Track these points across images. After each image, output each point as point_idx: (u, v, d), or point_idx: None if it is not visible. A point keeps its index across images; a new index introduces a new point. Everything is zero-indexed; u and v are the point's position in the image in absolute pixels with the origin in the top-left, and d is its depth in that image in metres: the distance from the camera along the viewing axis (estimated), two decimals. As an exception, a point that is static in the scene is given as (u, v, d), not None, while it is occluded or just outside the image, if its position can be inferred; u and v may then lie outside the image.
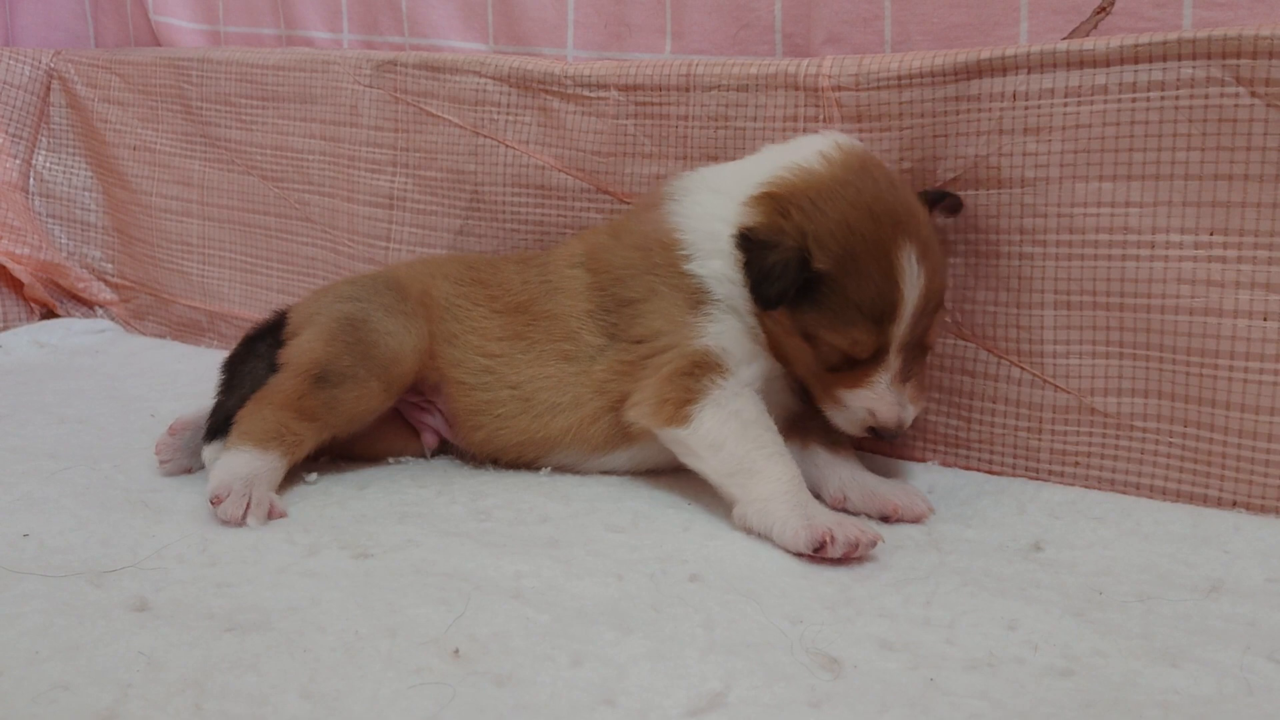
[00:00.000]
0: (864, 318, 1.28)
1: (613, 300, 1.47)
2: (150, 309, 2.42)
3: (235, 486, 1.32)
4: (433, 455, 1.61)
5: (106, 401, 1.88)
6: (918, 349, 1.33)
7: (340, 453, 1.54)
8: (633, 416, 1.40)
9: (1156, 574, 1.18)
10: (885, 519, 1.33)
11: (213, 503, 1.31)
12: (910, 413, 1.33)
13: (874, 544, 1.20)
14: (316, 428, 1.43)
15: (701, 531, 1.30)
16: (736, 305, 1.37)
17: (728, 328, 1.37)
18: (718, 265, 1.37)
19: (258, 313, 2.19)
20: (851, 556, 1.20)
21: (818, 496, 1.36)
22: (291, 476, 1.47)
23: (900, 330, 1.29)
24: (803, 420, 1.43)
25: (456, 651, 0.98)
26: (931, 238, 1.31)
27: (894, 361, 1.31)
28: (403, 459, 1.59)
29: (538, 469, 1.52)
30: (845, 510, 1.36)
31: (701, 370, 1.35)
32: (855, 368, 1.32)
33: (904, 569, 1.20)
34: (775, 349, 1.38)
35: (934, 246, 1.31)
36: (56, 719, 0.87)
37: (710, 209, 1.40)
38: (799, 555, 1.22)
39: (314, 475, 1.49)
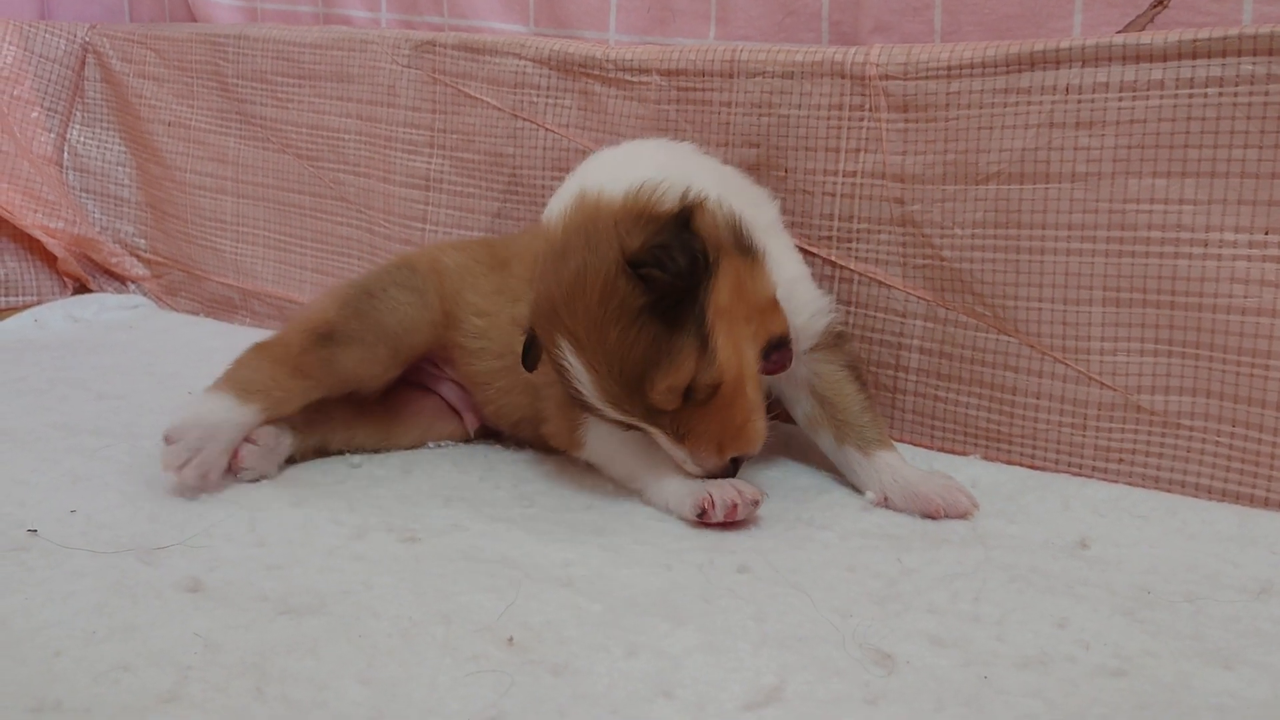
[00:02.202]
0: (571, 403, 1.28)
1: None
2: (183, 285, 2.42)
3: (189, 436, 1.33)
4: (475, 436, 1.61)
5: (143, 377, 1.89)
6: (673, 410, 1.21)
7: (382, 439, 1.54)
8: (552, 442, 1.45)
9: (1204, 574, 1.17)
10: (930, 517, 1.33)
11: (165, 440, 1.33)
12: (711, 463, 1.24)
13: (754, 503, 1.23)
14: (307, 386, 1.43)
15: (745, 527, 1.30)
16: None
17: None
18: None
19: (291, 291, 2.21)
20: (733, 519, 1.23)
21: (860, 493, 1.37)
22: (335, 459, 1.49)
23: (609, 412, 1.23)
24: (834, 415, 1.41)
25: (511, 640, 0.98)
26: (595, 327, 1.16)
27: (648, 428, 1.24)
28: (444, 443, 1.59)
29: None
30: (889, 508, 1.35)
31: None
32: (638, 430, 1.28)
33: (950, 564, 1.20)
34: None
35: (598, 336, 1.17)
36: (119, 700, 0.88)
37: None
38: (693, 523, 1.27)
39: (358, 458, 1.50)
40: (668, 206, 1.20)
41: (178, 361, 2.00)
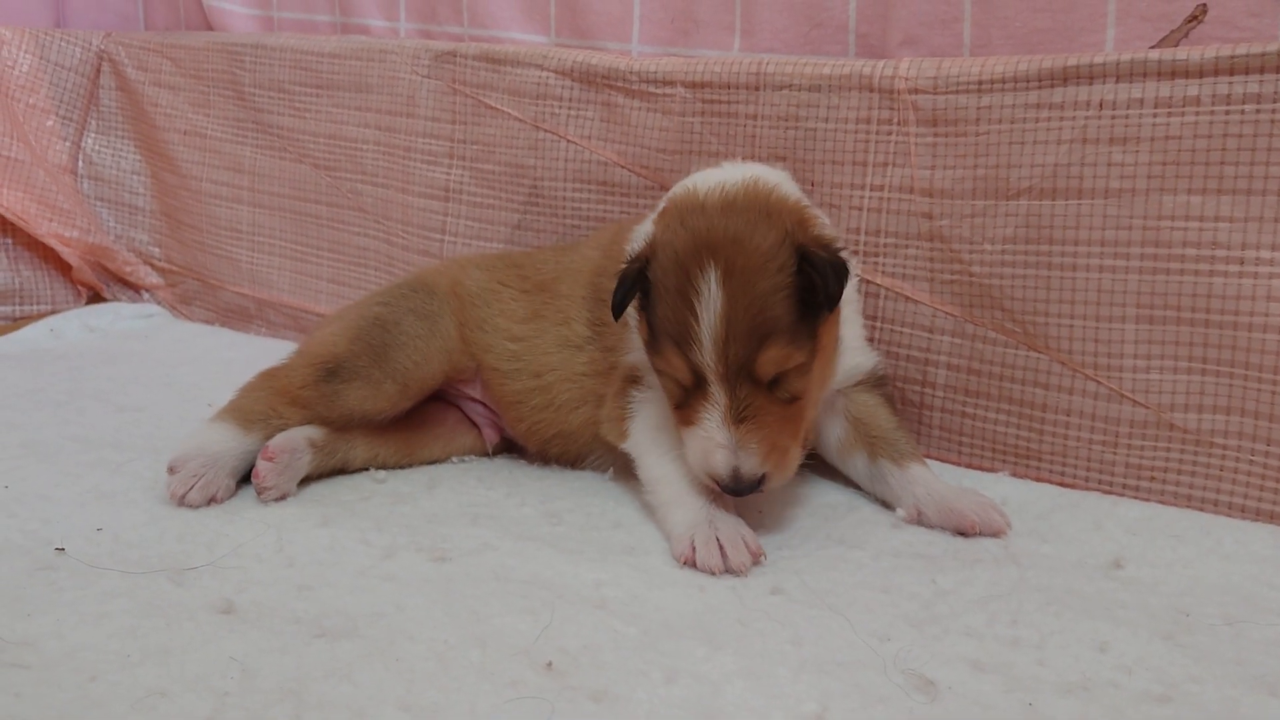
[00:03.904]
0: (669, 338, 1.21)
1: (598, 294, 1.48)
2: (197, 294, 2.41)
3: (193, 464, 1.36)
4: (495, 453, 1.61)
5: (162, 389, 1.88)
6: (755, 386, 1.20)
7: (406, 455, 1.53)
8: (603, 433, 1.44)
9: (1241, 596, 1.16)
10: (963, 534, 1.32)
11: (168, 470, 1.36)
12: (749, 462, 1.19)
13: (738, 572, 1.18)
14: (309, 416, 1.46)
15: (775, 541, 1.29)
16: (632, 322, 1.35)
17: (637, 341, 1.36)
18: None
19: (308, 301, 2.20)
20: (718, 571, 1.19)
21: (892, 510, 1.36)
22: (359, 475, 1.48)
23: (706, 355, 1.18)
24: (867, 433, 1.41)
25: (550, 664, 0.97)
26: (750, 267, 1.18)
27: (719, 395, 1.20)
28: (466, 458, 1.58)
29: (587, 467, 1.53)
30: (922, 524, 1.34)
31: (630, 385, 1.39)
32: (689, 404, 1.23)
33: (985, 585, 1.19)
34: None
35: (749, 275, 1.18)
36: (157, 727, 0.87)
37: (649, 221, 1.39)
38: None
39: (383, 474, 1.49)
40: (830, 232, 1.30)
41: (196, 373, 2.00)
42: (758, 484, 1.21)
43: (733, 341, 1.18)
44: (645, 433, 1.35)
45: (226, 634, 1.02)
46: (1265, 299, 1.28)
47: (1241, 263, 1.29)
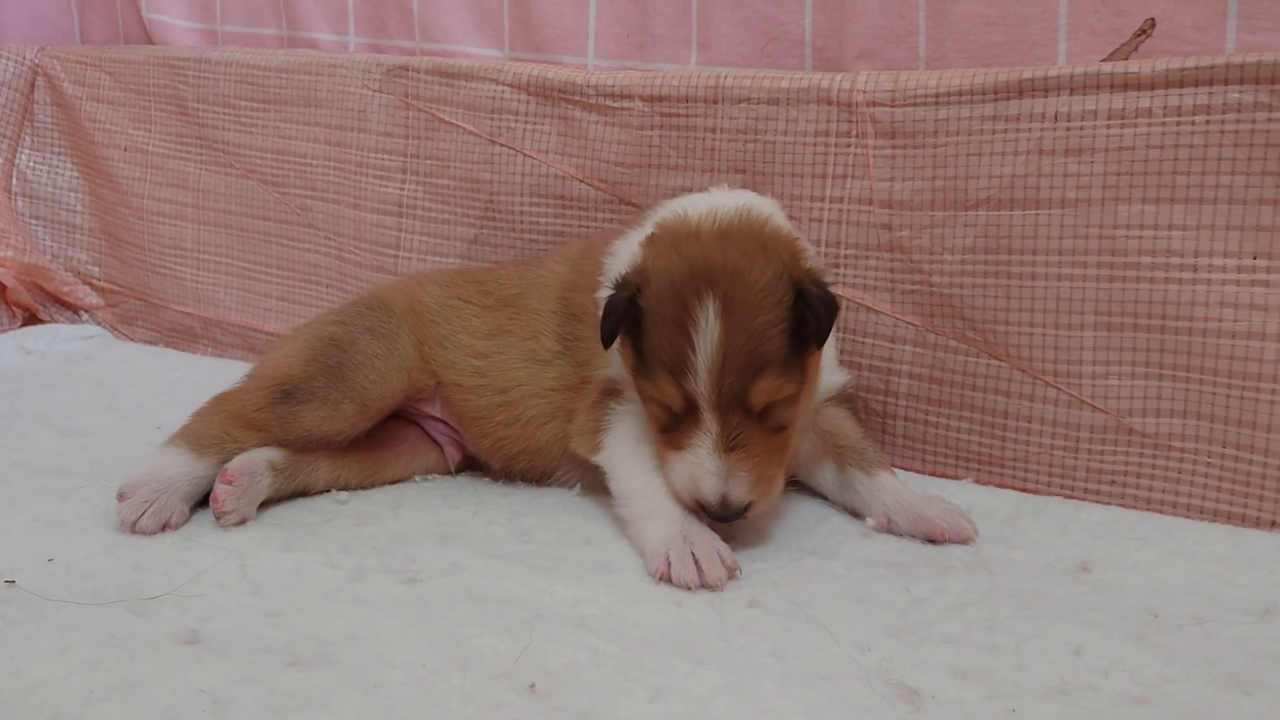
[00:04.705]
0: (663, 366, 1.21)
1: (568, 308, 1.47)
2: (139, 314, 2.35)
3: (144, 490, 1.32)
4: (458, 471, 1.58)
5: (106, 412, 1.82)
6: (746, 415, 1.21)
7: (368, 476, 1.50)
8: (573, 447, 1.42)
9: (1206, 596, 1.18)
10: (932, 541, 1.32)
11: (118, 497, 1.32)
12: (738, 490, 1.21)
13: (714, 587, 1.17)
14: (264, 438, 1.42)
15: (749, 554, 1.28)
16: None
17: (615, 357, 1.36)
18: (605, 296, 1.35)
19: (256, 320, 2.15)
20: (695, 585, 1.18)
21: (860, 519, 1.37)
22: (321, 497, 1.45)
23: (700, 386, 1.19)
24: (835, 443, 1.42)
25: (533, 686, 0.95)
26: (748, 300, 1.20)
27: (710, 423, 1.21)
28: (430, 477, 1.56)
29: (554, 483, 1.51)
30: (892, 532, 1.35)
31: (607, 398, 1.38)
32: (678, 429, 1.24)
33: (959, 592, 1.20)
34: None
35: (747, 308, 1.20)
36: (127, 765, 0.84)
37: (633, 239, 1.38)
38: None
39: (345, 495, 1.46)
40: (818, 265, 1.33)
41: (140, 395, 1.94)
42: (743, 511, 1.22)
43: (728, 372, 1.19)
44: (621, 445, 1.34)
45: (194, 665, 0.99)
46: (1219, 304, 1.31)
47: (1195, 269, 1.32)
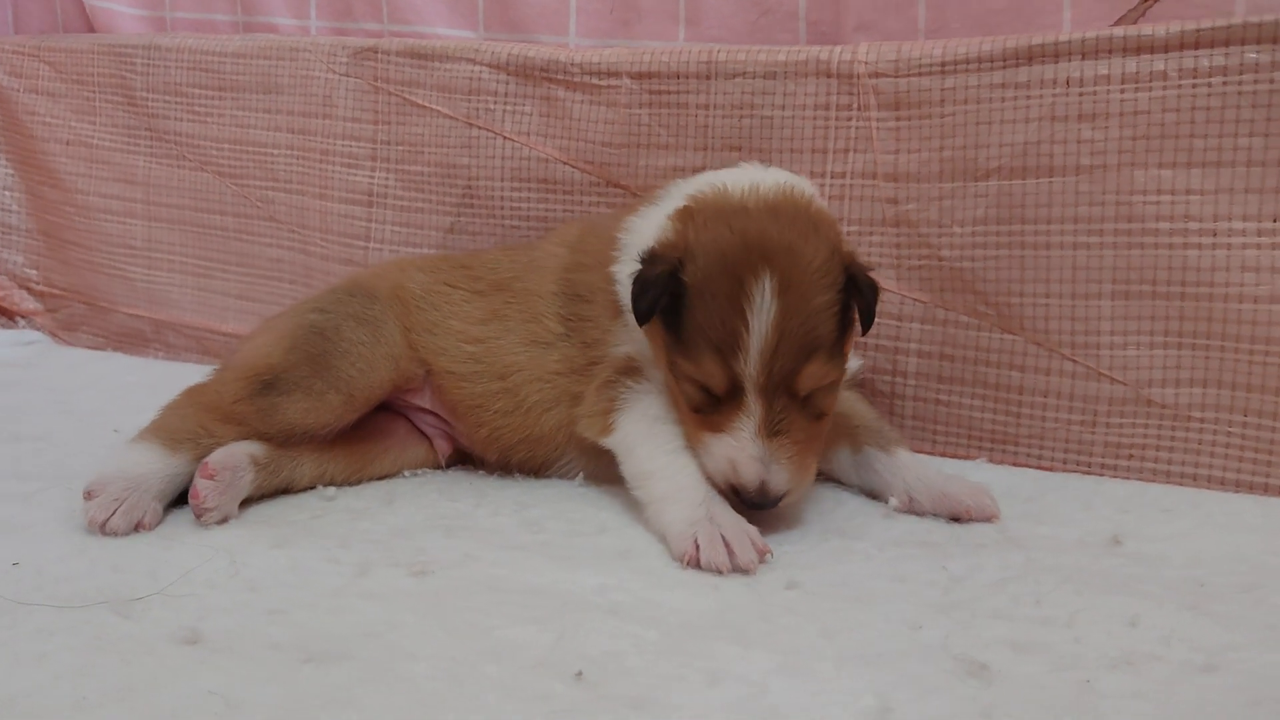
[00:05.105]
0: (710, 345, 1.16)
1: (571, 289, 1.40)
2: (84, 319, 2.21)
3: (113, 487, 1.21)
4: (448, 464, 1.50)
5: (59, 416, 1.70)
6: (791, 400, 1.17)
7: (356, 471, 1.41)
8: (580, 430, 1.35)
9: (1250, 564, 1.15)
10: (957, 519, 1.28)
11: (85, 496, 1.21)
12: (778, 478, 1.16)
13: (746, 571, 1.10)
14: (243, 432, 1.32)
15: (775, 537, 1.21)
16: (630, 317, 1.28)
17: (637, 335, 1.30)
18: (627, 272, 1.28)
19: (213, 320, 2.04)
20: (726, 569, 1.11)
21: (884, 500, 1.31)
22: (305, 494, 1.35)
23: (750, 366, 1.15)
24: (849, 424, 1.37)
25: (579, 674, 0.87)
26: (805, 281, 1.16)
27: (755, 406, 1.16)
28: (419, 471, 1.47)
29: (554, 474, 1.43)
30: (914, 512, 1.30)
31: (622, 376, 1.31)
32: (718, 410, 1.19)
33: (996, 569, 1.15)
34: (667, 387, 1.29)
35: (804, 289, 1.15)
36: (135, 775, 0.74)
37: (653, 215, 1.32)
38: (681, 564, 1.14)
39: (332, 490, 1.36)
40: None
41: (95, 398, 1.81)
42: (778, 499, 1.17)
43: (780, 354, 1.14)
44: (638, 424, 1.27)
45: (197, 666, 0.89)
46: (1239, 269, 1.29)
47: (1214, 234, 1.30)
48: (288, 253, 1.98)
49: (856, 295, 1.19)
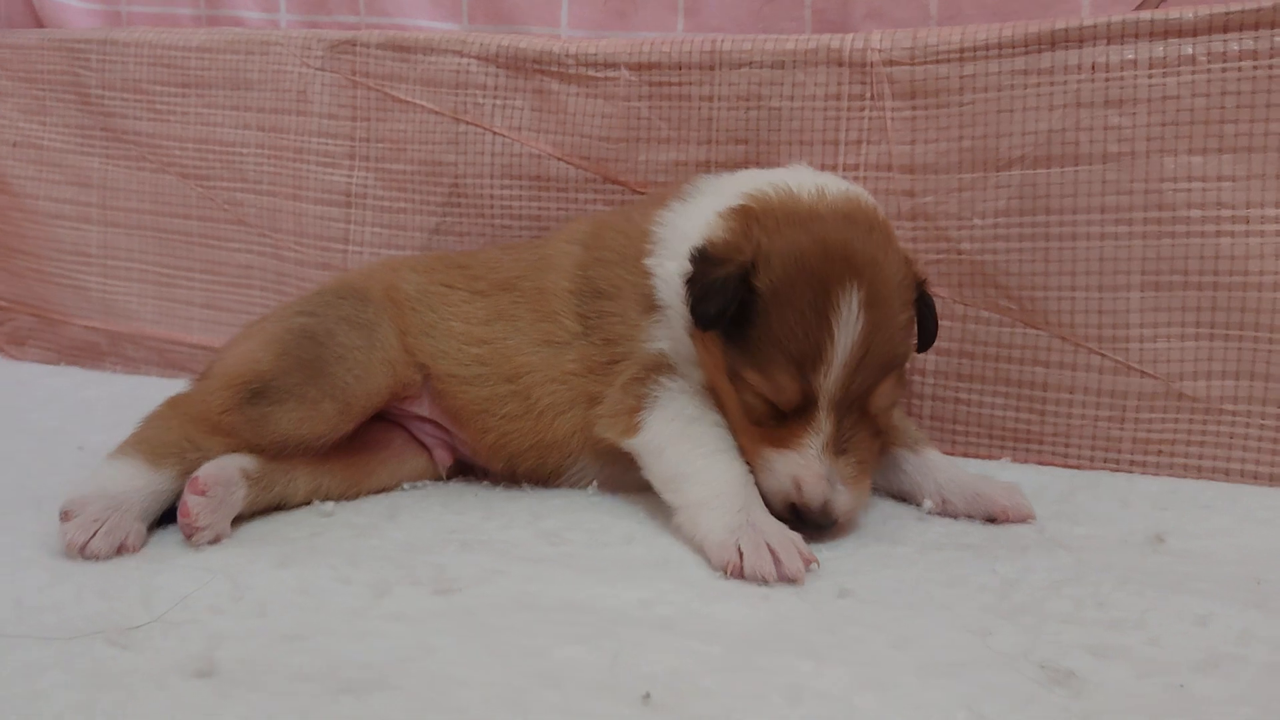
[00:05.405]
0: (786, 358, 1.11)
1: (589, 286, 1.33)
2: (33, 332, 2.07)
3: (92, 507, 1.11)
4: (449, 476, 1.41)
5: (17, 435, 1.58)
6: (860, 418, 1.14)
7: (352, 485, 1.32)
8: (599, 431, 1.28)
9: (1301, 559, 1.12)
10: (992, 520, 1.23)
11: (61, 518, 1.10)
12: (842, 499, 1.12)
13: (794, 580, 1.03)
14: (231, 444, 1.22)
15: (815, 544, 1.15)
16: (674, 316, 1.23)
17: (676, 333, 1.24)
18: (671, 268, 1.23)
19: (176, 331, 1.93)
20: (771, 579, 1.04)
21: (913, 502, 1.26)
22: (299, 510, 1.26)
23: (828, 382, 1.10)
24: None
25: (647, 697, 0.80)
26: (890, 295, 1.12)
27: (825, 423, 1.11)
28: (419, 483, 1.39)
29: (563, 484, 1.35)
30: (947, 514, 1.25)
31: (651, 374, 1.24)
32: (782, 425, 1.14)
33: (1046, 570, 1.10)
34: (712, 391, 1.23)
35: (890, 304, 1.12)
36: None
37: (695, 211, 1.26)
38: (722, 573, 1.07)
39: (330, 505, 1.27)
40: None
41: (53, 415, 1.69)
42: (835, 521, 1.14)
43: (861, 371, 1.10)
44: (670, 425, 1.19)
45: (218, 700, 0.79)
46: (1274, 257, 1.27)
47: (1248, 221, 1.27)
48: (258, 258, 1.87)
49: (925, 312, 1.18)
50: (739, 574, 1.05)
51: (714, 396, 1.21)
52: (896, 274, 1.13)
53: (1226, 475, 1.33)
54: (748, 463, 1.17)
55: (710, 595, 1.01)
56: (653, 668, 0.85)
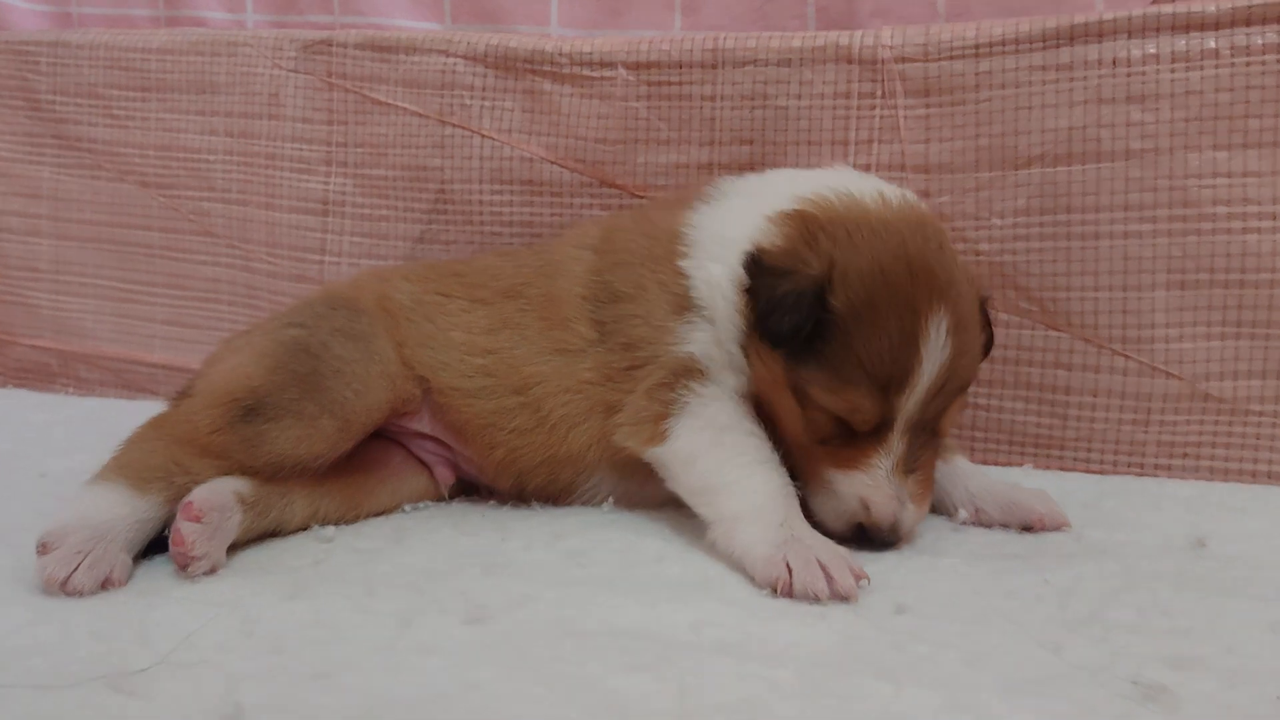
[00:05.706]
0: (868, 379, 1.07)
1: (606, 291, 1.26)
2: (-24, 353, 1.94)
3: (73, 538, 1.01)
4: (451, 495, 1.33)
5: (-31, 462, 1.46)
6: (930, 438, 1.12)
7: (351, 508, 1.23)
8: (619, 439, 1.21)
9: (1353, 562, 1.09)
10: (1028, 529, 1.19)
11: (39, 551, 1.00)
12: (910, 516, 1.10)
13: (847, 597, 0.98)
14: (222, 466, 1.13)
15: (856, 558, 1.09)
16: (720, 323, 1.18)
17: (710, 336, 1.19)
18: (715, 271, 1.18)
19: (136, 350, 1.82)
20: (821, 597, 0.98)
21: (945, 512, 1.22)
22: (296, 536, 1.17)
23: (910, 404, 1.07)
24: None
25: (728, 730, 0.73)
26: (970, 319, 1.11)
27: (898, 443, 1.09)
28: (421, 504, 1.30)
29: (575, 501, 1.28)
30: (981, 523, 1.20)
31: (680, 379, 1.18)
32: (850, 444, 1.10)
33: (1098, 579, 1.06)
34: (762, 401, 1.18)
35: (971, 329, 1.11)
36: None
37: (733, 212, 1.21)
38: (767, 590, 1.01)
39: (329, 529, 1.18)
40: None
41: (6, 441, 1.58)
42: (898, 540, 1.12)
43: (941, 393, 1.09)
44: (702, 433, 1.13)
45: (252, 751, 0.71)
46: (1302, 253, 1.24)
47: (1275, 217, 1.25)
48: (227, 270, 1.77)
49: (989, 334, 1.17)
50: (788, 591, 0.99)
51: (756, 407, 1.15)
52: (970, 294, 1.12)
53: (1254, 477, 1.31)
54: (802, 481, 1.12)
55: (763, 615, 0.95)
56: (724, 697, 0.79)
